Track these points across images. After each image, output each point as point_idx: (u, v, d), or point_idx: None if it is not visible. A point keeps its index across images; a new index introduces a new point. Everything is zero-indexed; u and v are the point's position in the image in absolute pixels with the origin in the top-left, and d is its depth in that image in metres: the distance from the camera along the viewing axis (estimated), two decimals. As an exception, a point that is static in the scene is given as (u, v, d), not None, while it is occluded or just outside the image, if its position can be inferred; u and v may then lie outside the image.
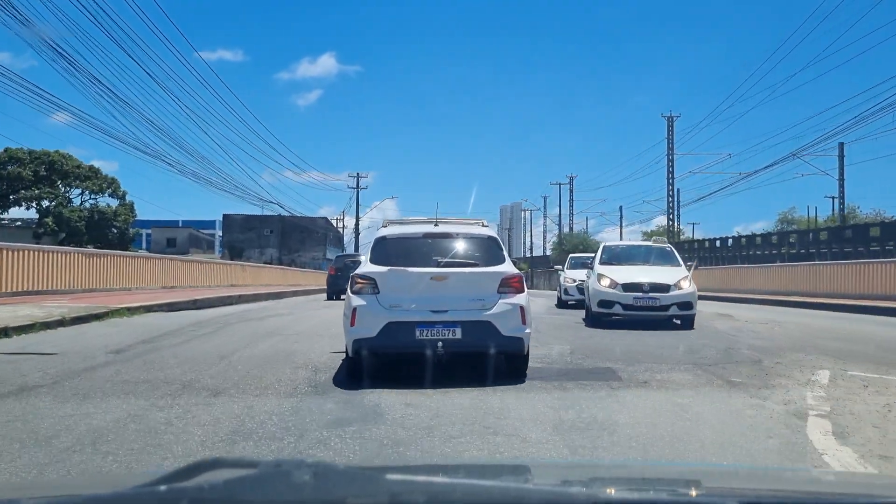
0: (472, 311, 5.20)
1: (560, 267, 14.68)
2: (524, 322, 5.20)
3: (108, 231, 38.05)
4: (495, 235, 5.79)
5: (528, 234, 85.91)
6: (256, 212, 45.78)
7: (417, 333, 5.09)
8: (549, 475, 1.30)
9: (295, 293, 22.61)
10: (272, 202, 37.00)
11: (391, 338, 5.07)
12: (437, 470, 1.42)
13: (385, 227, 6.01)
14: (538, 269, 75.91)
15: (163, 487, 0.84)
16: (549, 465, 2.15)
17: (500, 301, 5.24)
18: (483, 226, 5.99)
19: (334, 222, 61.99)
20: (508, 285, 5.31)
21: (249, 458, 0.99)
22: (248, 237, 55.53)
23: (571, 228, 57.38)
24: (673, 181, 39.42)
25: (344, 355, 5.24)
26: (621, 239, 63.59)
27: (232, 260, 52.98)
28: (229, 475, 0.87)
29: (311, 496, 0.88)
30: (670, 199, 39.61)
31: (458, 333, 5.10)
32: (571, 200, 56.58)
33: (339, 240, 68.02)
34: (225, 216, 55.63)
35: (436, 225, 5.80)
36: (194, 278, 20.40)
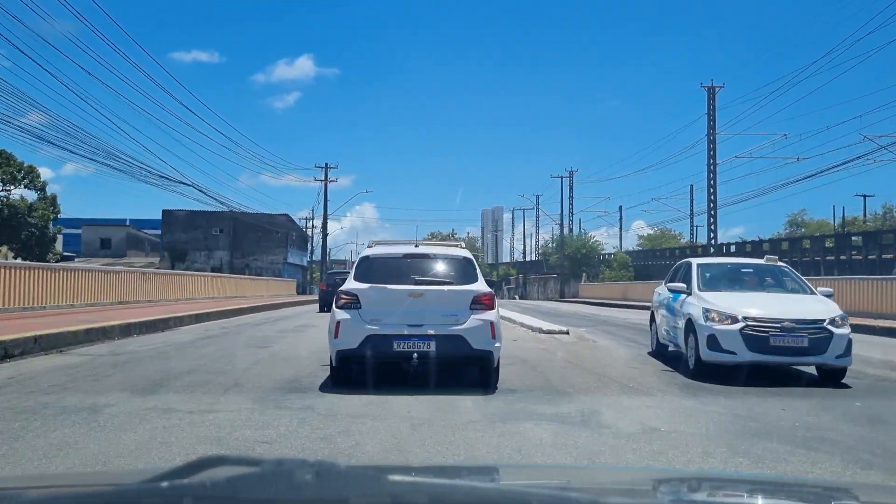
0: (445, 325, 6.36)
1: (666, 287, 9.36)
2: (494, 336, 6.37)
3: (22, 230, 34.99)
4: (470, 256, 7.02)
5: (514, 238, 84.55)
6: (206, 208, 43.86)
7: (395, 345, 6.32)
8: (549, 478, 1.44)
9: (236, 311, 18.99)
10: (214, 198, 35.92)
11: (371, 349, 6.28)
12: (439, 471, 1.56)
13: (370, 247, 7.33)
14: (531, 276, 72.79)
15: (165, 484, 0.97)
16: (550, 468, 2.32)
17: (472, 317, 6.43)
18: (461, 247, 7.32)
19: (304, 223, 59.96)
20: (480, 302, 6.51)
21: (252, 456, 1.12)
22: (193, 237, 52.92)
23: (571, 229, 57.05)
24: (714, 169, 32.76)
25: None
26: (621, 243, 63.33)
27: (173, 265, 50.22)
28: (232, 473, 0.99)
29: (313, 495, 1.01)
30: (711, 190, 32.67)
31: (433, 346, 6.30)
32: (571, 198, 56.28)
33: (304, 241, 64.69)
34: (165, 212, 52.45)
35: (416, 246, 7.19)
36: (83, 292, 16.24)
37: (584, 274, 54.05)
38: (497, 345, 6.45)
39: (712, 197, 33.15)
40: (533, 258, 70.46)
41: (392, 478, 1.06)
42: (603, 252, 59.88)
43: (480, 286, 6.65)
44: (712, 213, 33.30)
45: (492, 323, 6.44)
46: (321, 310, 22.61)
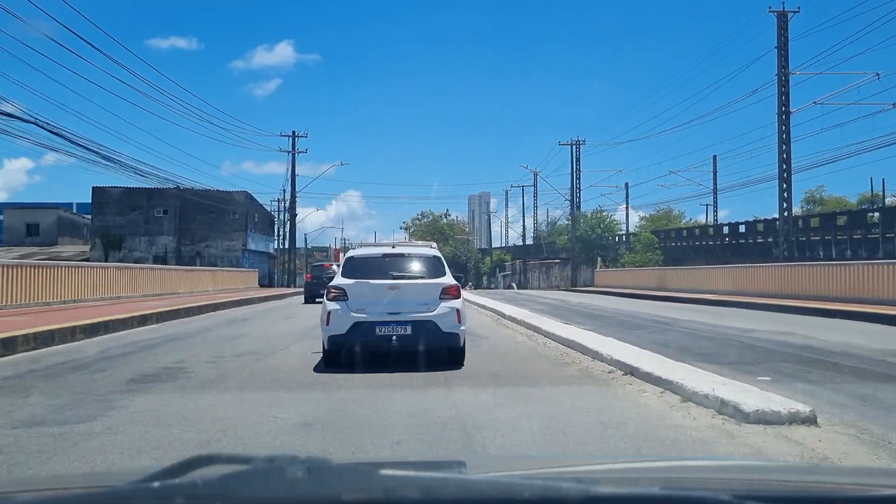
0: (419, 312, 8.75)
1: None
2: (460, 321, 8.79)
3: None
4: (439, 255, 9.50)
5: (507, 221, 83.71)
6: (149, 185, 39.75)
7: (377, 330, 8.65)
8: (542, 468, 1.57)
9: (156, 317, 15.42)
10: (151, 173, 34.09)
11: (357, 334, 8.61)
12: (431, 465, 1.69)
13: (354, 248, 10.37)
14: (531, 261, 70.10)
15: (156, 484, 1.06)
16: (541, 459, 2.49)
17: (441, 305, 8.83)
18: (431, 247, 9.88)
19: (277, 206, 57.52)
20: (448, 293, 8.98)
21: (243, 454, 1.22)
22: (132, 220, 49.55)
23: (579, 206, 54.34)
24: (788, 119, 29.01)
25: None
26: (627, 224, 60.01)
27: (106, 254, 47.73)
28: (223, 471, 1.08)
29: (305, 492, 1.10)
30: (784, 147, 28.92)
31: (409, 330, 8.66)
32: (578, 170, 54.00)
33: (269, 224, 62.58)
34: (96, 190, 48.55)
35: (393, 247, 9.81)
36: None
37: (598, 258, 51.55)
38: (462, 328, 8.93)
39: (785, 156, 29.38)
40: (530, 242, 69.62)
41: (384, 472, 1.18)
42: (620, 233, 57.41)
43: (448, 279, 9.13)
44: (785, 176, 29.50)
45: (458, 310, 8.93)
46: (306, 301, 25.06)
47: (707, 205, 58.53)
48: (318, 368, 8.48)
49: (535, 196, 69.49)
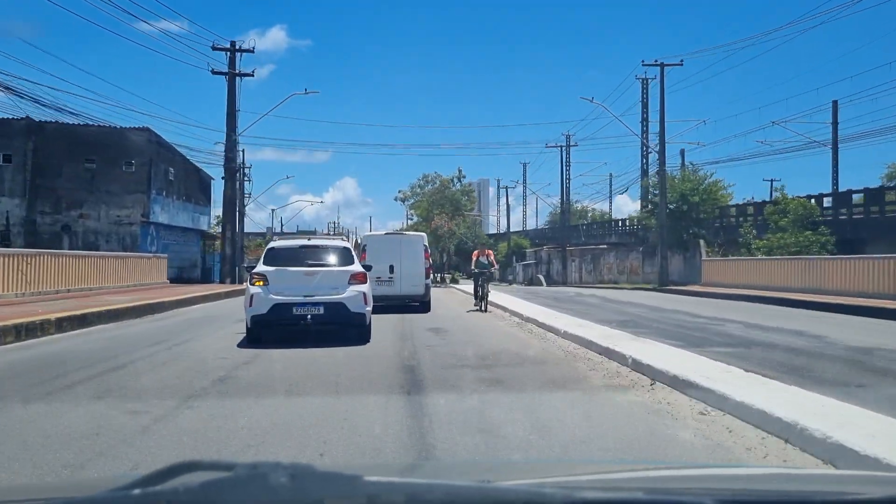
0: (331, 295, 12.40)
1: None
2: (366, 303, 12.75)
3: None
4: (348, 246, 14.03)
5: (505, 205, 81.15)
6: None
7: (294, 310, 12.29)
8: (526, 474, 1.78)
9: None
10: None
11: (276, 314, 12.32)
12: (416, 470, 1.88)
13: (275, 241, 15.35)
14: (571, 248, 62.48)
15: (137, 491, 1.23)
16: (527, 464, 2.75)
17: (349, 289, 12.57)
18: (342, 240, 15.48)
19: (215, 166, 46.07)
20: (355, 279, 12.72)
21: (226, 460, 1.37)
22: None
23: (647, 170, 49.10)
24: None
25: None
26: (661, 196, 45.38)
27: None
28: (205, 478, 1.25)
29: (288, 498, 1.29)
30: None
31: (322, 310, 12.34)
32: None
33: (201, 187, 51.50)
34: None
35: (309, 239, 14.45)
36: None
37: (699, 241, 41.96)
38: (368, 309, 12.79)
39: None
40: (538, 225, 69.04)
41: (368, 478, 1.35)
42: (729, 202, 47.06)
43: (356, 267, 13.02)
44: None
45: (364, 293, 12.65)
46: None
47: (771, 180, 53.06)
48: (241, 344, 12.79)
49: (569, 164, 63.26)
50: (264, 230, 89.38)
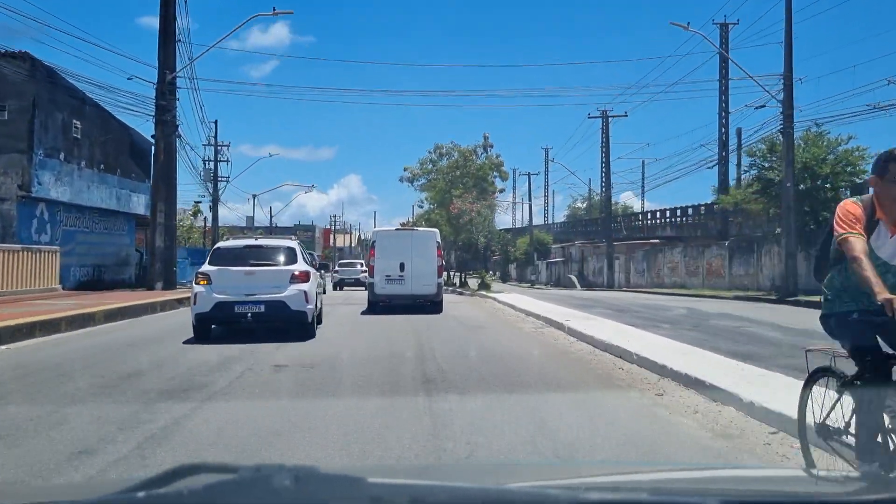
0: (272, 294, 12.98)
1: None
2: (307, 301, 13.42)
3: None
4: (293, 245, 14.56)
5: (519, 199, 78.62)
6: None
7: (236, 308, 13.00)
8: (529, 476, 1.80)
9: None
10: None
11: (219, 311, 13.10)
12: (419, 472, 1.89)
13: (223, 242, 17.22)
14: (618, 243, 54.51)
15: (141, 494, 1.24)
16: (529, 466, 2.77)
17: (290, 287, 13.14)
18: (291, 240, 15.49)
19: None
20: (297, 278, 13.27)
21: (230, 463, 1.39)
22: None
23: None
24: None
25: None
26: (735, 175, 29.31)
27: None
28: (209, 480, 1.26)
29: (292, 501, 1.31)
30: None
31: (263, 308, 13.01)
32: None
33: (136, 152, 37.04)
34: None
35: (256, 239, 16.10)
36: None
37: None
38: (310, 307, 13.40)
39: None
40: (554, 217, 66.06)
41: (371, 480, 1.37)
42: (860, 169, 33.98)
43: (299, 266, 13.63)
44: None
45: (305, 292, 13.19)
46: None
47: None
48: (188, 341, 13.71)
49: (608, 146, 53.96)
50: (244, 223, 77.42)
